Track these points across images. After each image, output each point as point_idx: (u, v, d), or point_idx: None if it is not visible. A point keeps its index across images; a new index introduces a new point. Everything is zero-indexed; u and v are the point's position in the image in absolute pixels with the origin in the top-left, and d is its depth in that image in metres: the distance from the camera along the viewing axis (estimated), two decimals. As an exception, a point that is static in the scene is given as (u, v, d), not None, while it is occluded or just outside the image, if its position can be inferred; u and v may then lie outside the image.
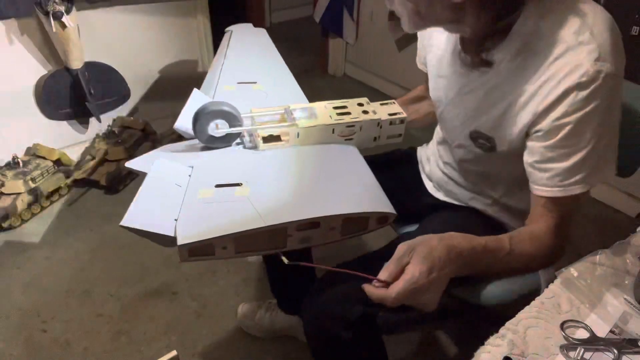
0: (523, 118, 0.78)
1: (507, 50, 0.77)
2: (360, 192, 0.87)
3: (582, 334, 0.65)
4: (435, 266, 0.70)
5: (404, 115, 1.00)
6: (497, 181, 0.97)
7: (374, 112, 1.00)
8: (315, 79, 3.00)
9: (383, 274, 0.71)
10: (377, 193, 0.88)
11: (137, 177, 2.14)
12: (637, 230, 0.81)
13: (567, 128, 0.74)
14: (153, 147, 2.19)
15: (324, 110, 0.98)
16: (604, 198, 2.06)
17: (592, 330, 0.65)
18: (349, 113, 0.98)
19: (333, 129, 0.96)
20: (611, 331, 0.65)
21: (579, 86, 0.71)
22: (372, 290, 0.72)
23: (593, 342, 0.63)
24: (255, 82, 1.13)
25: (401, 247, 0.72)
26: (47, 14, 1.71)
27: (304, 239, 0.81)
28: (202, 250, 0.75)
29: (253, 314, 1.48)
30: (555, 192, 0.78)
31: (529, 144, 0.80)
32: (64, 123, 2.10)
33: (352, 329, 0.89)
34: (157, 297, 1.61)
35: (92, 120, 2.12)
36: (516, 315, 0.68)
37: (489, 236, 0.80)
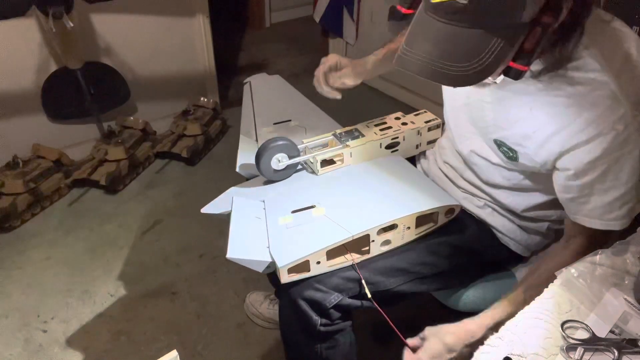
0: (552, 146, 0.77)
1: (535, 67, 0.74)
2: (423, 192, 0.96)
3: (582, 334, 0.65)
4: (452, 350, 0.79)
5: (439, 120, 1.09)
6: (499, 185, 0.96)
7: (412, 123, 1.09)
8: (315, 79, 2.99)
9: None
10: (438, 190, 0.99)
11: (137, 177, 2.14)
12: (637, 230, 0.81)
13: (603, 168, 0.74)
14: (153, 147, 2.20)
15: (367, 129, 1.08)
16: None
17: (592, 330, 0.65)
18: (390, 127, 1.08)
19: (380, 144, 1.06)
20: (611, 331, 0.65)
21: (615, 130, 0.70)
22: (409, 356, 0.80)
23: (593, 342, 0.63)
24: (290, 120, 1.22)
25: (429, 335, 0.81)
26: (47, 14, 1.71)
27: (384, 242, 0.91)
28: (299, 268, 0.85)
29: (259, 303, 1.52)
30: (596, 224, 0.79)
31: (564, 182, 0.79)
32: (64, 123, 2.10)
33: (326, 317, 0.91)
34: (157, 297, 1.60)
35: (92, 120, 2.12)
36: (516, 315, 0.68)
37: (502, 305, 0.82)
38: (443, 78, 0.64)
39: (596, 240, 0.82)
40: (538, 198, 0.92)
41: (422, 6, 0.68)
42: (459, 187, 1.03)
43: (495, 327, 0.74)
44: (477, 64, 0.62)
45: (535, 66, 0.73)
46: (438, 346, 0.78)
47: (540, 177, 0.87)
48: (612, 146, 0.71)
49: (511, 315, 0.79)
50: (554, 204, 0.92)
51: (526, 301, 0.79)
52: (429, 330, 0.81)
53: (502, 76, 0.67)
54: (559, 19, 0.63)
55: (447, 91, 0.98)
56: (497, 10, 0.60)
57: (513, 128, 0.82)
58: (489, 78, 0.65)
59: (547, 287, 0.79)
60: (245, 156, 1.06)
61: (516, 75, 0.65)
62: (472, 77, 0.63)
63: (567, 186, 0.79)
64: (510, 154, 0.85)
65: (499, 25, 0.61)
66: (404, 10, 0.74)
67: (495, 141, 0.87)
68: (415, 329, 0.83)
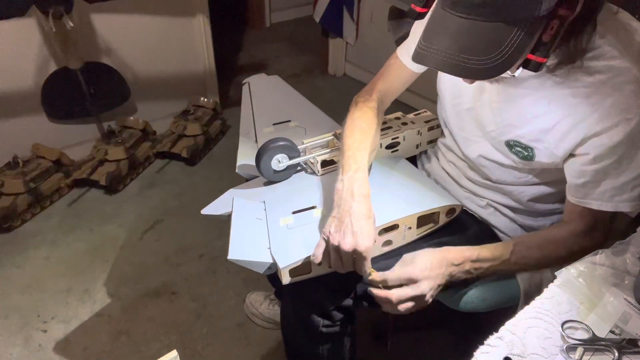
0: (574, 136, 0.77)
1: (550, 61, 0.74)
2: (424, 192, 0.96)
3: (582, 334, 0.65)
4: (430, 269, 0.79)
5: (439, 120, 1.07)
6: (505, 186, 0.96)
7: (412, 123, 1.09)
8: (315, 79, 2.99)
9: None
10: (439, 190, 0.99)
11: (137, 177, 2.14)
12: (637, 230, 0.81)
13: (621, 152, 0.74)
14: (153, 147, 2.20)
15: None
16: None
17: (592, 330, 0.65)
18: (390, 127, 1.07)
19: (380, 144, 1.04)
20: (611, 331, 0.65)
21: (639, 114, 0.70)
22: (376, 291, 0.80)
23: (593, 342, 0.63)
24: (289, 121, 1.22)
25: (406, 256, 0.81)
26: (47, 14, 1.71)
27: (386, 243, 0.91)
28: (300, 269, 0.84)
29: (258, 303, 1.52)
30: (605, 206, 0.79)
31: (580, 167, 0.79)
32: (64, 123, 2.10)
33: (329, 318, 0.91)
34: (157, 297, 1.61)
35: (92, 120, 2.12)
36: (516, 315, 0.68)
37: (490, 245, 0.83)
38: (464, 71, 0.64)
39: (597, 225, 0.82)
40: (545, 189, 0.92)
41: (438, 3, 0.68)
42: (462, 186, 1.03)
43: (495, 327, 0.73)
44: (497, 56, 0.63)
45: (550, 60, 0.74)
46: (427, 264, 0.79)
47: (552, 172, 0.87)
48: (635, 131, 0.72)
49: (494, 259, 0.82)
50: (561, 195, 0.92)
51: (513, 252, 0.82)
52: (410, 254, 0.81)
53: (520, 70, 0.67)
54: (575, 12, 0.64)
55: (448, 95, 0.97)
56: (516, 3, 0.61)
57: (530, 125, 0.82)
58: (507, 72, 0.66)
59: (537, 254, 0.83)
60: (244, 157, 1.06)
61: (535, 67, 0.65)
62: (493, 69, 0.63)
63: (581, 171, 0.79)
64: (524, 153, 0.85)
65: (518, 18, 0.62)
66: (418, 8, 0.73)
67: (508, 143, 0.86)
68: (414, 329, 0.83)
